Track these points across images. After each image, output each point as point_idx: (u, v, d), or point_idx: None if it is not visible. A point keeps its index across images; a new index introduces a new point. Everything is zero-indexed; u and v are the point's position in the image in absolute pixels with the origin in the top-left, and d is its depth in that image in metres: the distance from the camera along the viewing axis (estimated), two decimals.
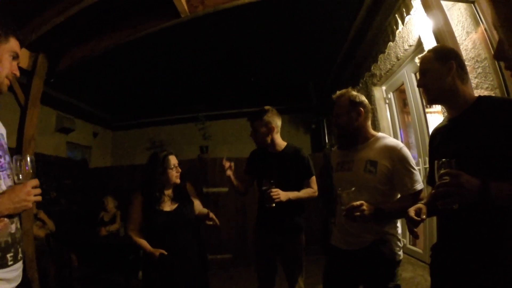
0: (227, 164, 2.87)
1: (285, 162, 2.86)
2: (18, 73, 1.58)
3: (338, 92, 2.26)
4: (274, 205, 2.56)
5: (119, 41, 3.24)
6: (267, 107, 2.93)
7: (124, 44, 3.29)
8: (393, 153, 2.02)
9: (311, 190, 2.85)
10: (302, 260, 2.85)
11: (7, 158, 1.52)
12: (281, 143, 2.95)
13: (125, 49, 4.11)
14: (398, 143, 2.10)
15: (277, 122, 2.92)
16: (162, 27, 3.11)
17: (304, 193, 2.81)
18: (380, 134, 2.20)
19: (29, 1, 2.59)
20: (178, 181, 2.73)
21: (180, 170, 2.76)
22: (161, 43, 4.76)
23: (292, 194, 2.70)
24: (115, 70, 5.75)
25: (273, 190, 2.55)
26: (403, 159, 1.99)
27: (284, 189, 2.64)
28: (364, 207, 1.83)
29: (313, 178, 2.88)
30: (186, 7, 2.94)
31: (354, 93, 2.20)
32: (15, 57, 1.55)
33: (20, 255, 1.51)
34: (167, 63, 5.67)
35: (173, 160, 2.73)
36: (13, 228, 1.47)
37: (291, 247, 2.83)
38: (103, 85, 6.59)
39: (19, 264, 1.51)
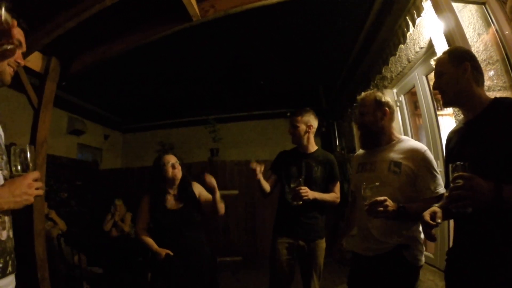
0: (257, 168, 2.75)
1: (314, 163, 2.91)
2: (22, 62, 1.52)
3: (363, 93, 2.27)
4: (301, 202, 2.58)
5: (131, 45, 3.27)
6: (307, 108, 3.00)
7: (136, 48, 3.32)
8: (417, 155, 2.02)
9: (335, 195, 2.90)
10: (321, 265, 2.87)
11: (4, 157, 1.39)
12: (314, 145, 3.02)
13: (137, 53, 4.14)
14: (422, 146, 2.10)
15: (315, 123, 3.00)
16: (174, 31, 3.14)
17: (329, 196, 2.86)
18: (403, 136, 2.21)
19: (42, 5, 2.63)
20: (178, 175, 2.77)
21: (178, 166, 2.79)
22: (173, 47, 4.79)
23: (319, 195, 2.74)
24: (126, 73, 5.80)
25: (302, 187, 2.58)
26: (428, 162, 1.99)
27: (310, 189, 2.68)
28: (388, 203, 1.82)
29: (338, 184, 2.93)
30: (197, 11, 2.95)
31: (380, 93, 2.21)
32: (18, 45, 1.44)
33: (9, 268, 1.31)
34: (178, 66, 5.70)
35: (168, 157, 2.79)
36: (4, 235, 1.30)
37: (313, 253, 2.83)
38: (114, 88, 6.64)
39: (8, 280, 1.32)
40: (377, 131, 2.16)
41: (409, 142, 2.14)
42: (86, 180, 6.79)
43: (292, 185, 2.60)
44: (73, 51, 3.37)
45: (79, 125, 6.92)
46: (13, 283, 1.37)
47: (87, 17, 2.65)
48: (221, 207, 2.76)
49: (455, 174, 1.33)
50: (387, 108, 2.14)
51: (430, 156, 2.02)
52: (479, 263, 1.44)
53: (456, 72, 1.58)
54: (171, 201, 2.74)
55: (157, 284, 2.68)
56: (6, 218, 1.32)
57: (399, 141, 2.15)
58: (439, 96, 1.72)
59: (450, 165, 1.38)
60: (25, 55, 2.53)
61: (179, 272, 2.53)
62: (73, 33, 2.82)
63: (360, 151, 2.40)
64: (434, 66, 1.73)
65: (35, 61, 3.12)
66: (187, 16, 2.93)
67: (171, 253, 2.49)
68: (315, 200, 2.71)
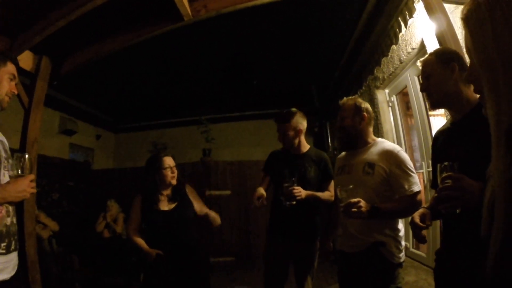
0: (257, 203, 2.71)
1: (308, 164, 2.88)
2: (16, 91, 1.88)
3: (345, 98, 2.40)
4: (294, 202, 2.55)
5: (123, 44, 3.25)
6: (293, 109, 2.92)
7: (128, 47, 3.30)
8: (390, 156, 2.12)
9: (329, 193, 2.86)
10: (315, 265, 2.89)
11: (10, 161, 1.78)
12: (305, 145, 2.98)
13: (129, 52, 4.13)
14: (395, 146, 2.23)
15: (304, 124, 2.93)
16: (166, 30, 3.12)
17: (323, 195, 2.82)
18: (379, 139, 2.32)
19: (33, 4, 2.60)
20: (173, 181, 2.76)
21: (176, 171, 2.78)
22: (165, 46, 4.77)
23: (312, 194, 2.73)
24: (118, 73, 5.76)
25: (295, 187, 2.56)
26: (400, 162, 2.08)
27: (304, 189, 2.65)
28: (361, 204, 1.90)
29: (332, 183, 2.87)
30: (189, 11, 2.94)
31: (360, 99, 2.35)
32: (12, 78, 1.84)
33: (12, 247, 1.70)
34: (171, 66, 5.68)
35: (168, 160, 2.76)
36: (8, 220, 1.69)
37: (307, 254, 2.85)
38: (106, 88, 6.59)
39: (12, 256, 1.70)
40: (355, 134, 2.29)
41: (383, 144, 2.26)
42: (78, 181, 6.74)
43: (285, 185, 2.57)
44: (64, 50, 3.34)
45: (70, 125, 6.85)
46: (16, 259, 1.75)
47: (79, 16, 2.63)
48: (216, 221, 2.83)
49: (443, 175, 1.33)
50: (365, 113, 2.28)
51: (404, 155, 2.13)
52: (467, 262, 1.44)
53: (444, 73, 1.59)
54: (163, 202, 2.72)
55: (149, 285, 2.67)
56: (11, 208, 1.72)
57: (375, 143, 2.28)
58: None
59: (439, 165, 1.38)
60: (15, 54, 2.52)
61: (171, 273, 2.52)
62: (64, 32, 2.79)
63: (342, 154, 2.51)
64: (420, 68, 1.74)
65: (26, 60, 3.08)
66: (179, 15, 2.92)
67: (162, 253, 2.48)
68: (309, 200, 2.69)
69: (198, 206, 2.87)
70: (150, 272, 2.59)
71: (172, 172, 2.75)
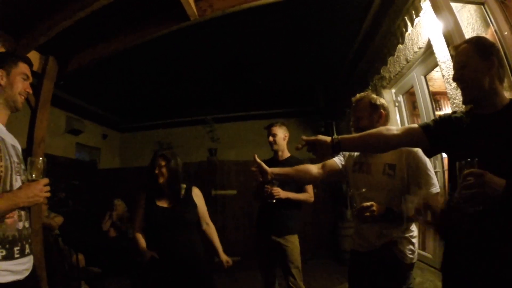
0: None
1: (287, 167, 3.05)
2: (30, 91, 1.87)
3: (357, 95, 2.26)
4: (274, 201, 3.00)
5: (129, 44, 3.26)
6: (279, 122, 3.46)
7: (134, 47, 3.31)
8: (409, 156, 2.02)
9: (308, 194, 3.26)
10: (299, 262, 3.14)
11: (23, 166, 1.77)
12: (287, 153, 3.42)
13: (134, 52, 4.13)
14: None
15: (288, 134, 3.44)
16: (172, 30, 3.13)
17: (302, 196, 3.22)
18: None
19: (39, 4, 2.61)
20: (160, 181, 2.66)
21: (164, 171, 2.69)
22: (170, 46, 4.78)
23: (292, 194, 3.13)
24: (124, 72, 5.79)
25: (275, 188, 3.00)
26: (419, 162, 2.00)
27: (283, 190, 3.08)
28: (374, 208, 1.87)
29: (310, 185, 3.25)
30: (195, 10, 2.95)
31: (374, 95, 2.21)
32: (26, 78, 1.83)
33: (27, 251, 1.68)
34: (176, 66, 5.69)
35: (159, 160, 2.70)
36: (20, 225, 1.66)
37: (286, 248, 3.11)
38: (112, 88, 6.63)
39: (26, 259, 1.67)
40: None
41: None
42: (84, 180, 6.76)
43: (266, 186, 2.98)
44: (70, 49, 3.35)
45: (77, 125, 6.90)
46: (31, 262, 1.72)
47: (85, 16, 2.63)
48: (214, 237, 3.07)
49: (465, 172, 1.27)
50: (382, 111, 2.16)
51: (423, 156, 2.01)
52: (475, 261, 1.41)
53: (482, 66, 1.46)
54: (164, 199, 2.71)
55: (151, 284, 2.66)
56: (23, 213, 1.69)
57: None
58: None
59: (458, 163, 1.32)
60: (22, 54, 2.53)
61: (171, 272, 2.52)
62: (70, 32, 2.80)
63: None
64: (453, 54, 1.60)
65: (32, 60, 3.06)
66: (185, 15, 2.92)
67: (157, 256, 2.47)
68: (288, 199, 3.09)
69: (203, 213, 2.87)
70: (152, 271, 2.59)
71: (161, 174, 2.67)
